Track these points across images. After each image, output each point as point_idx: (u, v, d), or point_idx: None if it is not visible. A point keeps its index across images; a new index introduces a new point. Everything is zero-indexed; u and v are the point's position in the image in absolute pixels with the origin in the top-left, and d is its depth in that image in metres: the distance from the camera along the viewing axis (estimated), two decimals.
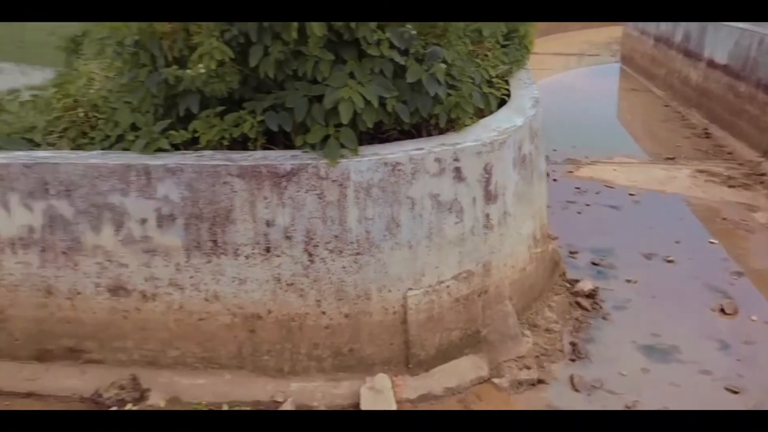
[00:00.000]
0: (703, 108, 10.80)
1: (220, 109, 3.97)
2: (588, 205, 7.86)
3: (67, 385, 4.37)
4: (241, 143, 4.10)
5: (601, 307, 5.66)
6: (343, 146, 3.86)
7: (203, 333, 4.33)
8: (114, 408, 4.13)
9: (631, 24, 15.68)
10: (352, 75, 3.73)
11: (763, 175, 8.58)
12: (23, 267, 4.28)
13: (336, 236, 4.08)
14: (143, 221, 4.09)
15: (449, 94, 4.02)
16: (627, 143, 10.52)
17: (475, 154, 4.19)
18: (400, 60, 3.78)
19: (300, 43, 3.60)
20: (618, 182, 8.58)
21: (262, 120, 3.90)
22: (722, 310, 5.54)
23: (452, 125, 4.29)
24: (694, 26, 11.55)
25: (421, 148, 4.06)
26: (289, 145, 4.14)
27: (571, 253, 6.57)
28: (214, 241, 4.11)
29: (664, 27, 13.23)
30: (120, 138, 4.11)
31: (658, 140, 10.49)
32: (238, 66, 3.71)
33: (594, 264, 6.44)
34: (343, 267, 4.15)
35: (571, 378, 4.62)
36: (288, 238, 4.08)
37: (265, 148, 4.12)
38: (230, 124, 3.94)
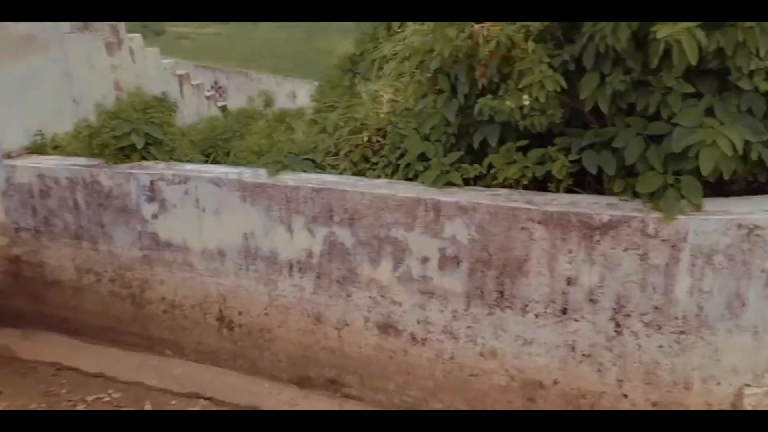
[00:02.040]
0: None
1: (521, 143, 3.37)
2: None
3: None
4: (539, 183, 3.47)
5: None
6: (682, 198, 3.02)
7: (473, 390, 3.82)
8: None
9: None
10: (709, 112, 2.86)
11: None
12: (297, 290, 4.15)
13: (656, 308, 3.27)
14: (424, 260, 3.68)
15: None
16: None
17: None
18: None
19: (646, 72, 2.83)
20: None
21: (575, 159, 3.21)
22: None
23: None
24: None
25: None
26: (599, 190, 3.41)
27: None
28: (501, 293, 3.56)
29: None
30: (406, 167, 3.72)
31: None
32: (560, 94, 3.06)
33: None
34: (660, 346, 3.33)
35: None
36: (592, 301, 3.37)
37: (568, 191, 3.44)
38: (534, 161, 3.33)
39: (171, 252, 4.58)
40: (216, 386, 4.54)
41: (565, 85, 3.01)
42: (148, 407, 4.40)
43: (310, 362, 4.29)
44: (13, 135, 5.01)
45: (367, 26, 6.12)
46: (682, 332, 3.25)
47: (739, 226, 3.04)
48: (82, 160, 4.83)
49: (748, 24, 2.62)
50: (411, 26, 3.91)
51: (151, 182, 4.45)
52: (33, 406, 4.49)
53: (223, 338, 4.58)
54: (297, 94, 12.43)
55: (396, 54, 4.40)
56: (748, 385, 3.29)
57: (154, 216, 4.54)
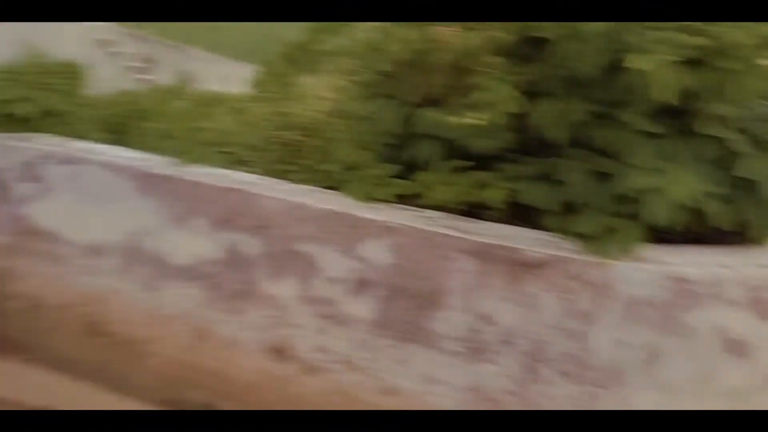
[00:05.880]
0: None
1: (462, 164, 3.08)
2: None
3: None
4: (472, 208, 3.19)
5: None
6: (620, 243, 2.82)
7: None
8: None
9: None
10: (664, 155, 2.68)
11: None
12: (185, 301, 3.62)
13: (573, 356, 3.03)
14: (334, 281, 3.28)
15: None
16: None
17: None
18: (739, 146, 2.68)
19: (611, 104, 2.63)
20: None
21: (515, 189, 2.95)
22: None
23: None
24: None
25: (724, 265, 2.92)
26: (534, 223, 3.17)
27: None
28: (411, 324, 3.21)
29: None
30: (332, 174, 3.34)
31: None
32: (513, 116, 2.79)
33: None
34: (571, 397, 3.09)
35: None
36: (507, 343, 3.09)
37: (504, 222, 3.18)
38: (472, 185, 3.04)
39: (43, 242, 3.92)
40: (75, 402, 3.89)
41: (529, 108, 2.75)
42: None
43: (188, 384, 3.74)
44: None
45: None
46: (597, 385, 3.03)
47: (671, 277, 2.87)
48: None
49: (729, 66, 2.45)
50: None
51: (32, 158, 3.80)
52: None
53: (90, 348, 3.94)
54: (233, 78, 11.64)
55: (344, 48, 4.02)
56: None
57: (30, 198, 3.87)
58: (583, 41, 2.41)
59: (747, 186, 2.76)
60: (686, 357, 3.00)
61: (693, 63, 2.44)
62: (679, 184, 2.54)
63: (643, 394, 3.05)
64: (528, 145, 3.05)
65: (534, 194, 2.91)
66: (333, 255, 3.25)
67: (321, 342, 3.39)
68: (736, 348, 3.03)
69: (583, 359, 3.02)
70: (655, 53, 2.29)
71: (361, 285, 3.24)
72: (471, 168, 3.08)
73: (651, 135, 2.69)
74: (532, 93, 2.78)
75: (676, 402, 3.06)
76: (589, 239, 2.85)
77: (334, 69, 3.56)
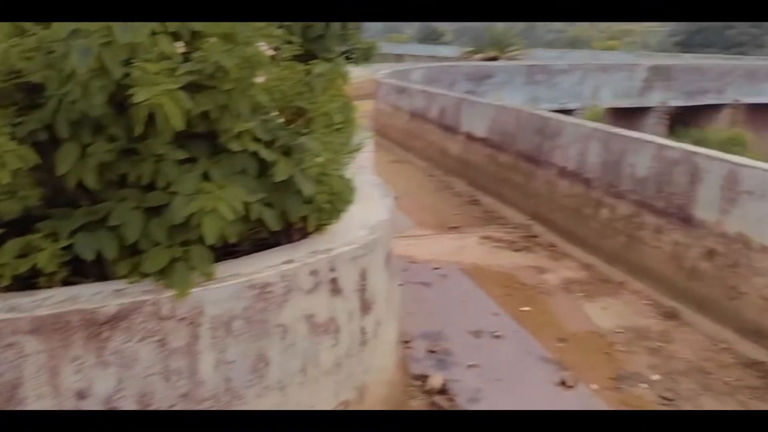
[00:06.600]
0: (467, 177, 11.59)
1: None
2: (401, 284, 7.57)
3: None
4: (27, 280, 2.76)
5: (456, 403, 5.26)
6: (193, 269, 2.82)
7: None
8: None
9: (382, 99, 16.60)
10: (205, 177, 2.74)
11: (536, 236, 9.32)
12: None
13: (184, 394, 2.95)
14: None
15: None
16: (399, 215, 10.63)
17: (350, 260, 3.47)
18: (267, 155, 2.91)
19: (134, 139, 2.53)
20: (419, 256, 8.51)
21: (67, 245, 2.65)
22: (563, 383, 5.55)
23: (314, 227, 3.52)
24: (449, 103, 12.53)
25: (291, 261, 3.20)
26: (103, 275, 2.92)
27: (405, 342, 6.10)
28: None
29: (418, 104, 14.18)
30: None
31: (434, 210, 10.83)
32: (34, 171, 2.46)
33: (431, 352, 6.07)
34: None
35: None
36: (112, 410, 2.82)
37: (67, 283, 2.84)
38: (12, 255, 2.61)
39: None
40: None
41: (37, 159, 2.43)
42: None
43: None
44: None
45: None
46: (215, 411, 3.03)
47: (251, 286, 3.01)
48: None
49: (227, 87, 2.61)
50: None
51: None
52: None
53: None
54: None
55: None
56: None
57: None
58: (78, 82, 2.27)
59: (288, 188, 3.05)
60: (288, 353, 3.22)
61: (195, 87, 2.55)
62: (226, 200, 2.64)
63: (260, 402, 3.16)
64: (69, 196, 2.77)
65: (89, 245, 2.67)
66: None
67: None
68: (325, 328, 3.39)
69: (195, 393, 2.96)
70: (156, 84, 2.32)
71: None
72: (7, 236, 2.64)
73: (186, 161, 2.73)
74: (43, 142, 2.51)
75: (292, 397, 3.27)
76: (161, 275, 2.76)
77: None
